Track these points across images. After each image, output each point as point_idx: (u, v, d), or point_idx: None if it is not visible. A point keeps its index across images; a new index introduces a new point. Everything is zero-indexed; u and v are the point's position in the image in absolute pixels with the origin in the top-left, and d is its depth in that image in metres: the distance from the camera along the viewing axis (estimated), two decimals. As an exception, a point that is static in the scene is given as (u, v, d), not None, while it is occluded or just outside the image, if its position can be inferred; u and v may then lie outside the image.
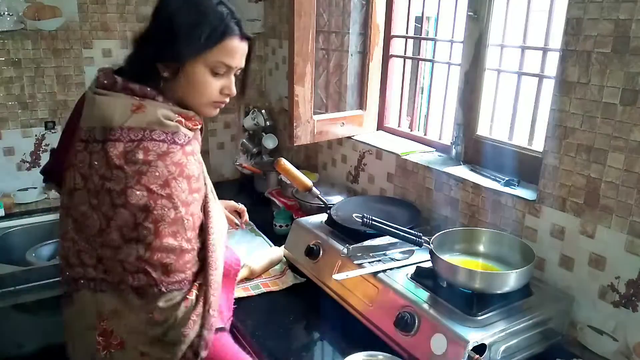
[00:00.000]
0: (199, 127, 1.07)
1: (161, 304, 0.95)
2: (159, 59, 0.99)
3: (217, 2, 1.01)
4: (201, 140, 1.09)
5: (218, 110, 1.09)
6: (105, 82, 0.99)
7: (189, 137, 1.01)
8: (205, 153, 2.22)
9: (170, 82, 1.01)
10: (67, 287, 1.03)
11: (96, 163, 0.95)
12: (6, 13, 2.02)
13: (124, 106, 0.96)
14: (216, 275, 1.02)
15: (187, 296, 0.98)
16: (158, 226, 0.93)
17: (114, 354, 0.99)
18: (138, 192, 0.92)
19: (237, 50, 1.03)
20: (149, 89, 0.99)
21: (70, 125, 1.06)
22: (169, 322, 0.97)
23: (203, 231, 1.01)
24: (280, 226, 1.88)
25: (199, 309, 0.99)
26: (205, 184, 1.04)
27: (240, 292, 1.46)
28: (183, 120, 1.01)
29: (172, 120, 0.98)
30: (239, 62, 1.04)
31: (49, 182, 1.15)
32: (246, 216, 1.54)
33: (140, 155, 0.93)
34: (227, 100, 1.08)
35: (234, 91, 1.06)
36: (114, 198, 0.93)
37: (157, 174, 0.93)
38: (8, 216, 2.07)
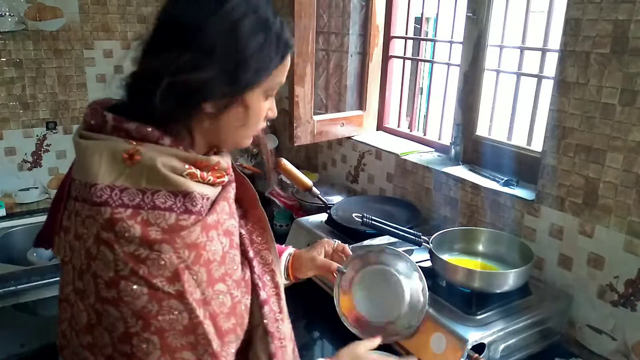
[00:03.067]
0: (226, 178, 0.76)
1: None
2: (210, 96, 0.69)
3: (270, 6, 0.73)
4: (234, 188, 0.79)
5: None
6: (93, 122, 0.71)
7: (209, 199, 0.71)
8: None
9: (207, 120, 0.72)
10: None
11: (85, 232, 0.66)
12: (7, 14, 2.03)
13: (112, 155, 0.67)
14: None
15: None
16: (165, 338, 0.65)
17: None
18: (135, 287, 0.64)
19: (289, 65, 0.77)
20: (150, 128, 0.69)
21: (68, 173, 0.76)
22: None
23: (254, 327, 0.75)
24: (281, 226, 1.89)
25: None
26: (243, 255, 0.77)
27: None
28: (198, 172, 0.70)
29: (182, 174, 0.68)
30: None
31: (39, 246, 0.85)
32: (348, 250, 1.17)
33: (137, 232, 0.64)
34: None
35: (276, 112, 0.81)
36: (100, 288, 0.65)
37: (162, 262, 0.64)
38: (9, 216, 2.07)
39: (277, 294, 0.81)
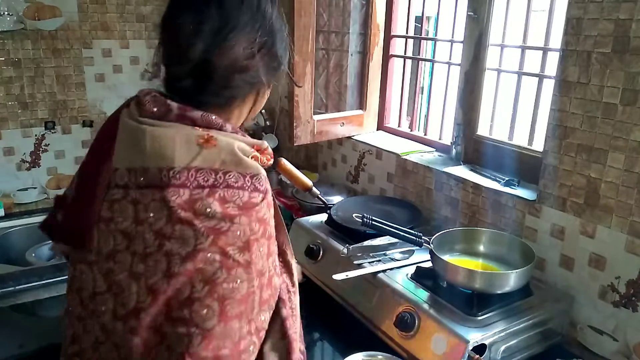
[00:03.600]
0: (271, 161, 0.82)
1: None
2: (273, 79, 0.82)
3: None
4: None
5: None
6: (155, 110, 0.74)
7: (266, 180, 0.77)
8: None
9: (242, 105, 0.82)
10: None
11: (151, 215, 0.70)
12: (6, 13, 2.02)
13: (188, 140, 0.72)
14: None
15: None
16: (225, 306, 0.69)
17: None
18: (209, 255, 0.68)
19: None
20: (214, 116, 0.75)
21: (93, 164, 0.78)
22: None
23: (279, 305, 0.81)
24: None
25: None
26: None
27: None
28: (259, 155, 0.77)
29: (249, 157, 0.75)
30: None
31: (54, 241, 0.88)
32: None
33: (218, 208, 0.70)
34: None
35: None
36: (172, 265, 0.68)
37: (238, 232, 0.70)
38: (8, 216, 2.07)
39: (290, 272, 0.88)
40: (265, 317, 0.78)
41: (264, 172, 0.77)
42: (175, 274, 0.68)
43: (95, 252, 0.75)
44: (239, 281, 0.70)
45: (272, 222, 0.78)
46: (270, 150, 0.82)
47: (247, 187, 0.73)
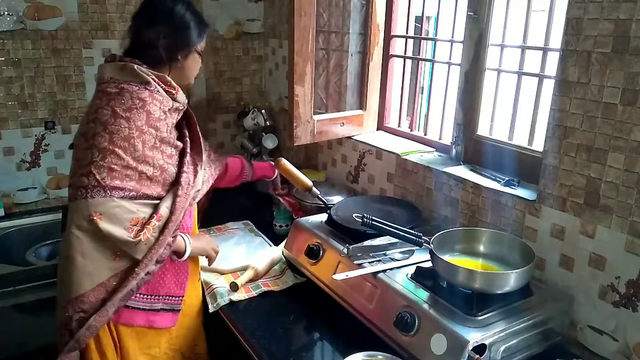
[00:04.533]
0: (175, 94, 1.33)
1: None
2: (180, 50, 1.34)
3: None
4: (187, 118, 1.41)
5: None
6: (109, 59, 1.32)
7: (158, 90, 1.28)
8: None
9: (178, 65, 1.35)
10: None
11: (96, 101, 1.26)
12: (6, 13, 2.02)
13: (114, 66, 1.28)
14: (169, 229, 1.24)
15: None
16: (112, 137, 1.19)
17: None
18: (105, 111, 1.21)
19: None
20: (135, 60, 1.29)
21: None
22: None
23: (175, 183, 1.30)
24: (280, 226, 1.88)
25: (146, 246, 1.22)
26: (175, 141, 1.33)
27: (241, 292, 1.46)
28: (158, 81, 1.29)
29: (148, 76, 1.27)
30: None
31: None
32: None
33: (114, 89, 1.24)
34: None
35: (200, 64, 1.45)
36: (89, 115, 1.24)
37: (122, 100, 1.22)
38: (8, 216, 2.07)
39: (195, 174, 1.36)
40: (147, 168, 1.25)
41: (154, 83, 1.27)
42: (89, 120, 1.24)
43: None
44: (122, 126, 1.21)
45: (154, 109, 1.26)
46: (174, 85, 1.32)
47: (138, 87, 1.25)
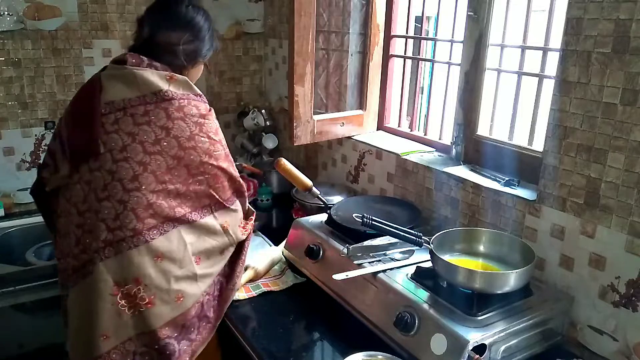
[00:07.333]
0: None
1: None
2: (197, 59, 1.36)
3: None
4: None
5: None
6: (134, 61, 1.24)
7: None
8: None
9: (188, 70, 1.35)
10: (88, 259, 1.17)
11: (152, 119, 1.18)
12: (6, 13, 2.02)
13: (160, 76, 1.23)
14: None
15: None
16: (217, 157, 1.26)
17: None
18: (202, 138, 1.23)
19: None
20: (168, 69, 1.27)
21: (85, 104, 1.23)
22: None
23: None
24: (262, 200, 2.07)
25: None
26: None
27: (241, 292, 1.46)
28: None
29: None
30: None
31: (81, 163, 1.21)
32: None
33: (195, 111, 1.24)
34: None
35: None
36: (181, 142, 1.20)
37: (211, 125, 1.26)
38: (8, 216, 2.07)
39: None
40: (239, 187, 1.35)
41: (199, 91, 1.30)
42: (186, 147, 1.20)
43: (102, 157, 1.17)
44: (220, 149, 1.27)
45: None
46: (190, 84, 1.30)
47: (202, 101, 1.28)
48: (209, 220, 1.26)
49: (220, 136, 1.29)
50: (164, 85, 1.21)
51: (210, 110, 1.29)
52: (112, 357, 1.13)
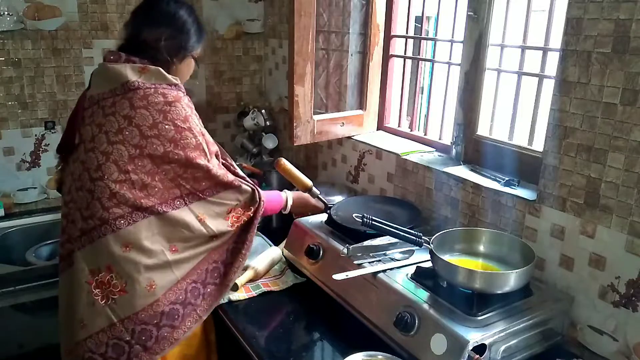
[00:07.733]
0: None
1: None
2: (183, 52, 1.36)
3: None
4: None
5: None
6: (112, 57, 1.29)
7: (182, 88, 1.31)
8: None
9: (175, 66, 1.35)
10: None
11: (116, 110, 1.20)
12: (6, 13, 2.02)
13: (132, 68, 1.25)
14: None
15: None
16: (184, 148, 1.22)
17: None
18: (167, 126, 1.21)
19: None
20: (145, 61, 1.27)
21: (77, 108, 1.31)
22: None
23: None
24: None
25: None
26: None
27: (241, 292, 1.46)
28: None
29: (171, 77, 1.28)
30: None
31: (68, 156, 1.31)
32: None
33: (161, 99, 1.22)
34: None
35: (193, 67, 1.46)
36: (143, 131, 1.19)
37: (178, 111, 1.23)
38: (8, 216, 2.07)
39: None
40: (215, 162, 1.30)
41: (180, 83, 1.29)
42: (149, 136, 1.20)
43: (78, 149, 1.24)
44: (189, 137, 1.23)
45: (195, 112, 1.29)
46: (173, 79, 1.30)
47: (174, 89, 1.26)
48: (182, 212, 1.24)
49: (190, 124, 1.24)
50: (132, 77, 1.22)
51: (181, 97, 1.25)
52: (88, 345, 1.18)
